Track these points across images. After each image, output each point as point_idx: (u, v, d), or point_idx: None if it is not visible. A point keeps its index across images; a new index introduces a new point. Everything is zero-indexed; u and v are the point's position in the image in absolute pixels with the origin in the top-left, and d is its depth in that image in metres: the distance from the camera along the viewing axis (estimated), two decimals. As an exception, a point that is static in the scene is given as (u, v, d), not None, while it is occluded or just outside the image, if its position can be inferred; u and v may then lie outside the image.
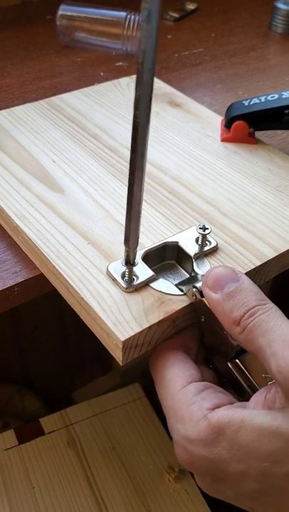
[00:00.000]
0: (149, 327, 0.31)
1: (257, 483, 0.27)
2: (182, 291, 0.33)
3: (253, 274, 0.36)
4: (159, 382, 0.31)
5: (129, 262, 0.33)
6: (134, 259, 0.33)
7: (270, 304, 0.29)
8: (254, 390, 0.31)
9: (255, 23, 0.85)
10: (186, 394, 0.29)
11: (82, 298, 0.33)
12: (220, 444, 0.27)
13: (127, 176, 0.43)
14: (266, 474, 0.26)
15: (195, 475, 0.30)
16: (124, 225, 0.38)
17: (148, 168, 0.45)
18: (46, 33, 0.76)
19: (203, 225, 0.36)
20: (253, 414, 0.27)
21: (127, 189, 0.41)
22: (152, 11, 0.23)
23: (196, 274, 0.35)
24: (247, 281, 0.30)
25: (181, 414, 0.29)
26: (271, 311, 0.28)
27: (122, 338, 0.30)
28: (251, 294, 0.29)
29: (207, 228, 0.36)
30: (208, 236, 0.37)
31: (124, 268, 0.33)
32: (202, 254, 0.36)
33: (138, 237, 0.32)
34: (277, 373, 0.26)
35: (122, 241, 0.37)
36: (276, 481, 0.26)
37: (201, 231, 0.36)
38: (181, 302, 0.33)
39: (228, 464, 0.27)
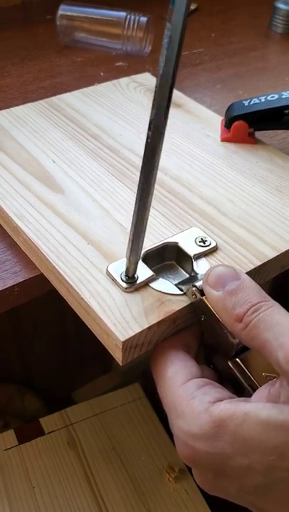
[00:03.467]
0: (149, 327, 0.31)
1: (262, 477, 0.27)
2: (182, 290, 0.33)
3: (253, 274, 0.36)
4: (160, 380, 0.31)
5: (128, 275, 0.33)
6: (135, 273, 0.33)
7: (273, 301, 0.29)
8: (254, 389, 0.31)
9: (255, 23, 0.85)
10: (186, 389, 0.29)
11: (82, 298, 0.33)
12: (222, 438, 0.27)
13: (127, 176, 0.44)
14: (272, 468, 0.26)
15: (195, 472, 0.30)
16: (124, 225, 0.38)
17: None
18: (46, 33, 0.76)
19: (202, 239, 0.37)
20: (258, 407, 0.27)
21: (126, 189, 0.42)
22: (174, 38, 0.24)
23: (196, 274, 0.35)
24: (248, 280, 0.30)
25: (182, 409, 0.29)
26: (275, 307, 0.29)
27: (122, 339, 0.30)
28: (253, 291, 0.30)
29: (206, 240, 0.37)
30: (207, 236, 0.37)
31: (124, 268, 0.33)
32: (202, 255, 0.36)
33: (140, 253, 0.32)
34: (285, 364, 0.26)
35: (122, 241, 0.37)
36: (282, 475, 0.26)
37: (202, 244, 0.36)
38: (180, 302, 0.33)
39: (232, 459, 0.27)
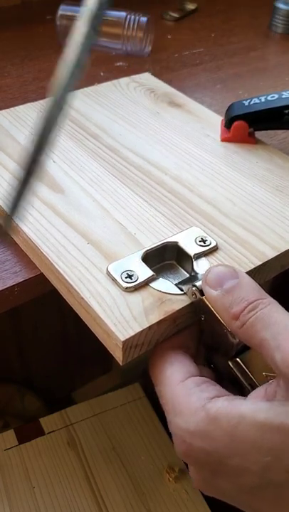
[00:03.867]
0: (149, 327, 0.31)
1: (257, 478, 0.27)
2: (182, 290, 0.33)
3: (253, 274, 0.36)
4: (158, 379, 0.31)
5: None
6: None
7: (271, 299, 0.29)
8: (254, 388, 0.31)
9: (255, 23, 0.85)
10: (184, 387, 0.29)
11: (82, 298, 0.33)
12: (218, 437, 0.27)
13: (127, 176, 0.44)
14: (267, 469, 0.26)
15: (191, 469, 0.30)
16: (124, 224, 0.38)
17: (148, 167, 0.45)
18: (46, 33, 0.76)
19: (202, 238, 0.37)
20: (254, 409, 0.27)
21: (126, 189, 0.41)
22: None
23: (196, 273, 0.35)
24: (246, 278, 0.30)
25: (179, 406, 0.29)
26: (272, 305, 0.29)
27: (122, 338, 0.30)
28: (251, 289, 0.30)
29: (206, 240, 0.36)
30: (208, 236, 0.37)
31: (124, 268, 0.33)
32: (202, 254, 0.36)
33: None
34: (283, 366, 0.26)
35: (123, 241, 0.37)
36: (277, 476, 0.26)
37: (202, 243, 0.36)
38: (181, 302, 0.33)
39: (228, 458, 0.27)
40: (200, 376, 0.31)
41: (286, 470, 0.26)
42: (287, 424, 0.26)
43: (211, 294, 0.30)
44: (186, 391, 0.29)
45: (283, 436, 0.26)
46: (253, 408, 0.27)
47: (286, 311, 0.29)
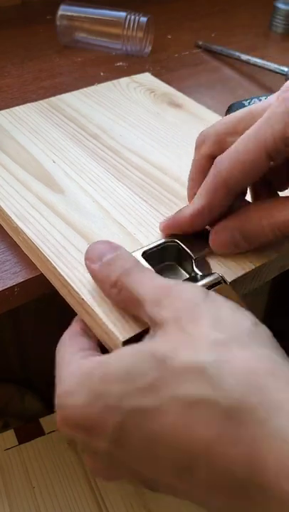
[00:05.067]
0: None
1: (119, 415, 0.25)
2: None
3: (253, 275, 0.36)
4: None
5: None
6: None
7: (145, 267, 0.31)
8: None
9: (255, 23, 0.85)
10: (70, 353, 0.30)
11: (82, 298, 0.33)
12: (86, 384, 0.27)
13: (127, 176, 0.44)
14: (126, 395, 0.25)
15: (64, 430, 0.28)
16: (123, 225, 0.38)
17: (148, 168, 0.45)
18: (46, 33, 0.76)
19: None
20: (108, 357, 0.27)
21: (126, 189, 0.41)
22: None
23: (196, 274, 0.35)
24: (124, 250, 0.32)
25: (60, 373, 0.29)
26: (147, 270, 0.30)
27: (122, 339, 0.30)
28: (127, 258, 0.31)
29: None
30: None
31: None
32: (202, 255, 0.36)
33: None
34: (150, 311, 0.28)
35: (122, 241, 0.37)
36: (136, 402, 0.25)
37: None
38: (181, 302, 0.33)
39: (92, 405, 0.26)
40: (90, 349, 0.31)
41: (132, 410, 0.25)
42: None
43: (92, 267, 0.32)
44: (68, 356, 0.30)
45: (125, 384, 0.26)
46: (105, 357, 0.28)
47: (159, 276, 0.30)
